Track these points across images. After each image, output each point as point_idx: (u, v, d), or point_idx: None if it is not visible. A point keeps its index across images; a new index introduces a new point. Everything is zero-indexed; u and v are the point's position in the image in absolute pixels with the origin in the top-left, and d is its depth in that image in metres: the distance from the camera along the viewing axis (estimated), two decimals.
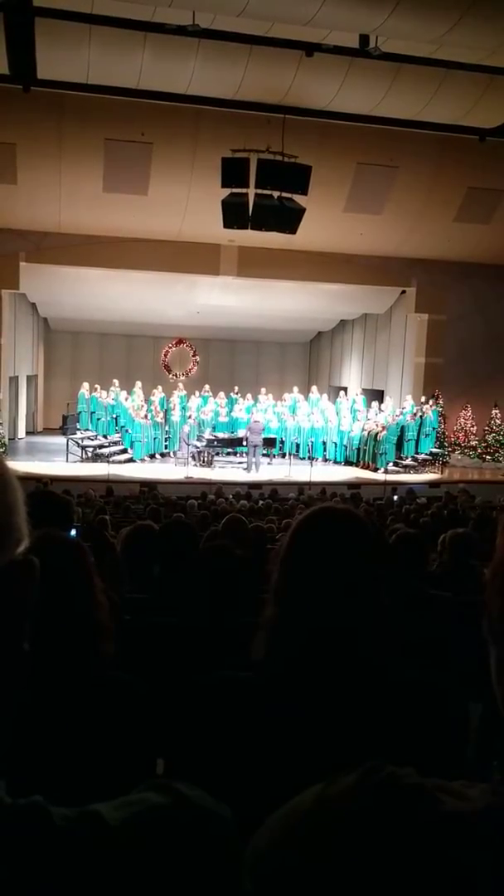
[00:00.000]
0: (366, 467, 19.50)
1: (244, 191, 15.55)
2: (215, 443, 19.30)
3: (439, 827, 0.59)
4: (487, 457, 20.81)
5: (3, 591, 0.60)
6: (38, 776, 1.00)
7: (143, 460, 19.38)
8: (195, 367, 26.34)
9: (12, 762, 0.67)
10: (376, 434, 19.44)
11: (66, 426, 19.97)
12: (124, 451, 19.31)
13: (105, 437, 19.56)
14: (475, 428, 20.94)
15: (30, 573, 0.63)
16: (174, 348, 26.42)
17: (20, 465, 16.25)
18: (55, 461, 18.26)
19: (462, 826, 0.58)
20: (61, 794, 0.69)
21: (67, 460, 18.37)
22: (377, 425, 19.76)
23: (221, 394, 21.14)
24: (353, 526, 1.35)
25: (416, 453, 19.60)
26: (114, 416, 19.77)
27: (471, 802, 0.60)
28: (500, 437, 20.90)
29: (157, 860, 0.59)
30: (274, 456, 20.15)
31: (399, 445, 19.35)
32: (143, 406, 20.12)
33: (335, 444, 20.56)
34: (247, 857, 0.66)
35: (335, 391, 23.13)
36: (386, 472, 17.99)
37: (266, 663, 1.34)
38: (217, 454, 19.46)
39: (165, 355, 26.36)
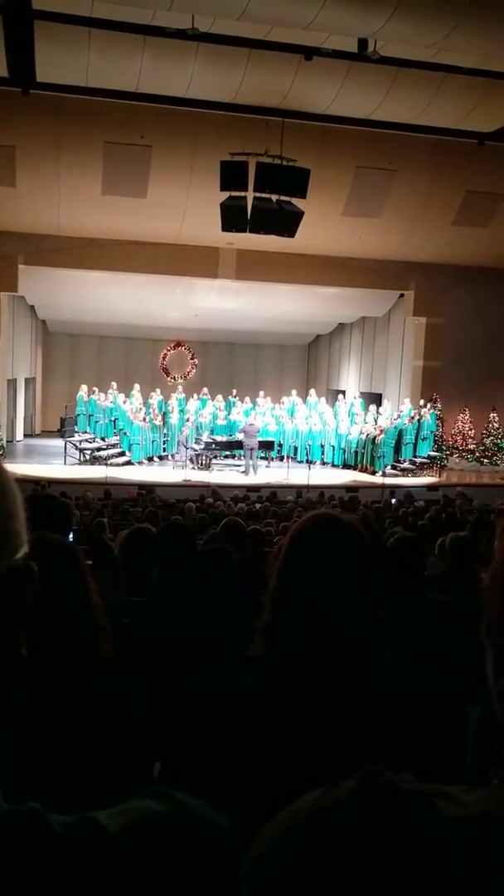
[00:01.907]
0: (364, 470, 19.51)
1: (243, 194, 15.57)
2: (213, 445, 19.30)
3: (437, 833, 0.59)
4: (485, 460, 20.83)
5: (1, 597, 0.60)
6: (35, 781, 1.00)
7: (141, 463, 19.37)
8: (193, 370, 26.34)
9: (9, 767, 0.67)
10: (374, 437, 19.46)
11: (64, 429, 19.97)
12: (122, 453, 19.31)
13: (103, 439, 19.56)
14: (473, 431, 20.97)
15: (28, 579, 0.63)
16: (173, 351, 26.43)
17: (18, 468, 16.24)
18: (53, 464, 18.26)
19: (460, 832, 0.58)
20: (58, 799, 0.68)
21: (65, 463, 18.37)
22: (375, 428, 19.77)
23: (220, 396, 21.16)
24: (350, 534, 1.36)
25: (414, 457, 19.62)
26: (112, 418, 19.77)
27: (468, 808, 0.60)
28: (498, 441, 20.93)
29: (154, 868, 0.58)
30: (272, 459, 20.16)
31: (397, 449, 19.37)
32: (141, 409, 20.12)
33: (333, 447, 20.57)
34: (244, 864, 0.66)
35: (333, 394, 23.15)
36: (384, 475, 18.00)
37: (263, 667, 1.34)
38: (215, 457, 19.47)
39: (164, 358, 26.37)
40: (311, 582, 1.32)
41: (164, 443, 20.32)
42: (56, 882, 0.55)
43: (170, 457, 19.96)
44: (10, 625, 0.61)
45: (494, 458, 20.82)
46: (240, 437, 19.15)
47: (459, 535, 4.51)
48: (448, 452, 20.41)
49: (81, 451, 18.90)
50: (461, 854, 0.57)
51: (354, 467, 19.90)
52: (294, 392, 22.45)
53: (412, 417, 19.67)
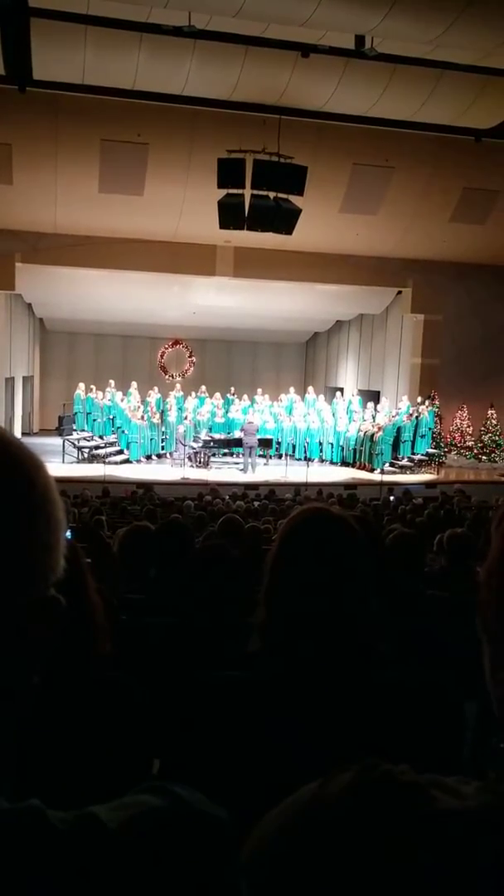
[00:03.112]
0: (362, 468, 19.52)
1: (240, 191, 15.55)
2: (212, 444, 19.31)
3: (434, 825, 0.59)
4: (483, 457, 20.84)
5: (22, 629, 0.60)
6: (34, 777, 1.00)
7: (139, 461, 19.37)
8: (191, 368, 26.34)
9: (9, 766, 0.67)
10: (372, 435, 19.47)
11: (62, 427, 19.97)
12: (120, 451, 19.31)
13: (101, 437, 19.56)
14: (471, 428, 20.98)
15: (52, 613, 0.62)
16: (170, 349, 26.42)
17: None
18: (51, 462, 18.21)
19: (457, 824, 0.59)
20: (58, 796, 0.69)
21: (63, 461, 18.36)
22: (373, 426, 19.78)
23: (218, 394, 21.16)
24: (340, 527, 1.36)
25: (413, 454, 19.63)
26: (110, 416, 19.76)
27: (466, 800, 0.60)
28: (496, 438, 20.94)
29: (154, 862, 0.59)
30: (270, 457, 20.16)
31: (395, 446, 19.38)
32: (139, 407, 20.12)
33: (331, 444, 20.58)
34: (243, 856, 0.66)
35: (331, 392, 23.15)
36: (382, 472, 18.00)
37: (259, 663, 1.35)
38: (213, 455, 19.47)
39: (162, 356, 26.36)
40: (302, 577, 1.32)
41: (162, 441, 20.32)
42: (56, 878, 0.55)
43: (168, 455, 19.97)
44: (29, 655, 0.61)
45: (492, 455, 20.83)
46: (239, 434, 19.15)
47: (459, 532, 4.51)
48: (446, 449, 20.42)
49: (79, 449, 18.89)
50: (459, 846, 0.57)
51: (353, 465, 19.91)
52: (292, 390, 22.45)
53: (410, 415, 19.68)
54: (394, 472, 18.68)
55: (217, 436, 19.70)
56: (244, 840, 0.68)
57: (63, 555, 0.64)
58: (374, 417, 20.34)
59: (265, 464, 19.58)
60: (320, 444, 20.56)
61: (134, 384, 21.00)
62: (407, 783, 0.62)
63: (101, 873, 0.57)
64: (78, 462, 18.55)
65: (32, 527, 0.60)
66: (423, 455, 19.77)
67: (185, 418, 19.93)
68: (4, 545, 0.58)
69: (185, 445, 18.93)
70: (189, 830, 0.62)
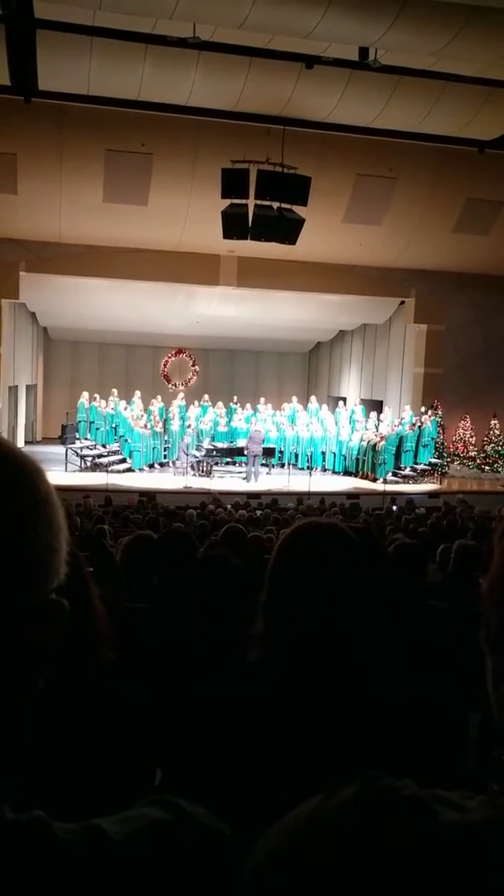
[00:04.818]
0: (365, 477, 19.50)
1: (244, 201, 15.62)
2: (214, 452, 19.31)
3: (437, 839, 0.59)
4: (486, 467, 20.81)
5: (26, 632, 0.60)
6: (37, 787, 1.00)
7: (142, 470, 19.38)
8: (194, 377, 26.37)
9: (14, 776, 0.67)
10: (375, 444, 19.46)
11: (65, 435, 19.97)
12: (123, 460, 19.31)
13: (104, 446, 19.56)
14: (474, 438, 20.96)
15: (56, 616, 0.62)
16: (173, 358, 26.47)
17: None
18: (54, 470, 18.21)
19: (460, 838, 0.58)
20: (61, 806, 0.69)
21: (66, 470, 18.37)
22: (376, 435, 19.78)
23: (220, 403, 21.16)
24: (336, 540, 1.37)
25: (415, 463, 19.62)
26: (113, 425, 19.78)
27: (469, 814, 0.60)
28: (499, 448, 20.92)
29: (158, 876, 0.59)
30: (273, 466, 20.15)
31: (398, 456, 19.36)
32: (142, 415, 20.14)
33: (334, 454, 20.57)
34: (245, 871, 0.66)
35: (334, 401, 23.15)
36: (385, 482, 17.99)
37: (260, 674, 1.35)
38: (216, 464, 19.47)
39: (165, 365, 26.40)
40: (300, 589, 1.33)
41: (164, 450, 20.32)
42: (62, 890, 0.55)
43: (171, 464, 19.96)
44: (33, 659, 0.61)
45: (495, 465, 20.81)
46: (244, 443, 19.14)
47: (468, 544, 4.50)
48: (449, 459, 20.40)
49: (82, 457, 18.90)
50: (462, 860, 0.57)
51: (355, 474, 19.88)
52: (295, 399, 22.46)
53: (413, 424, 19.67)
54: (396, 482, 18.67)
55: (220, 445, 19.70)
56: (247, 854, 0.68)
57: (65, 560, 0.64)
58: (376, 427, 20.33)
59: (267, 473, 19.56)
60: (323, 453, 20.55)
61: (137, 393, 21.02)
62: (409, 797, 0.62)
63: (105, 885, 0.57)
64: (81, 470, 18.55)
65: (35, 529, 0.60)
66: (425, 465, 19.75)
67: (188, 427, 19.94)
68: (8, 546, 0.58)
69: (187, 454, 18.93)
70: (193, 844, 0.62)
